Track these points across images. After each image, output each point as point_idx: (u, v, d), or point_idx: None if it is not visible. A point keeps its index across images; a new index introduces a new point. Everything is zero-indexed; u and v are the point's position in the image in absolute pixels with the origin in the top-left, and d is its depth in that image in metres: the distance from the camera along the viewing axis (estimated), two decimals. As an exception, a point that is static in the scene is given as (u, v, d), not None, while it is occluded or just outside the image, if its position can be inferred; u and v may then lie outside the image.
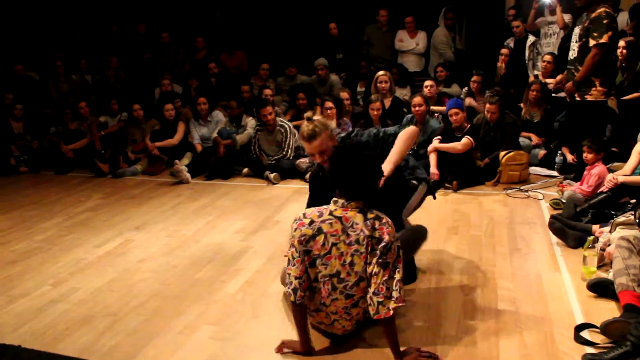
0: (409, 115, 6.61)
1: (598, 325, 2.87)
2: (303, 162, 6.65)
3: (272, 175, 6.56)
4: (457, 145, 5.93)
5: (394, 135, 3.30)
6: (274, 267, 4.02)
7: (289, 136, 6.81)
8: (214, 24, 9.80)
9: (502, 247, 4.22)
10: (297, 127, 7.15)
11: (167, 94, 8.08)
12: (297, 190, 6.19)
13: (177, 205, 5.79)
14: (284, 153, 6.80)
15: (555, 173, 6.17)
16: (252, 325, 3.20)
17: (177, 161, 6.88)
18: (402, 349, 2.73)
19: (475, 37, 8.48)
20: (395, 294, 2.62)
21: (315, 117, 3.37)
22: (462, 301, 3.37)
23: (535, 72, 7.50)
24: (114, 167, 7.33)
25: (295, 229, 2.72)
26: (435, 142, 6.05)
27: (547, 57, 7.10)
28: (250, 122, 7.27)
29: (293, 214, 5.20)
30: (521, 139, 6.44)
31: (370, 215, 2.68)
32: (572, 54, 5.35)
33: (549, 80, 6.93)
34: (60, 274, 4.12)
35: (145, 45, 9.34)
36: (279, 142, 6.85)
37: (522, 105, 6.86)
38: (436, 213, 5.09)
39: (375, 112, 6.53)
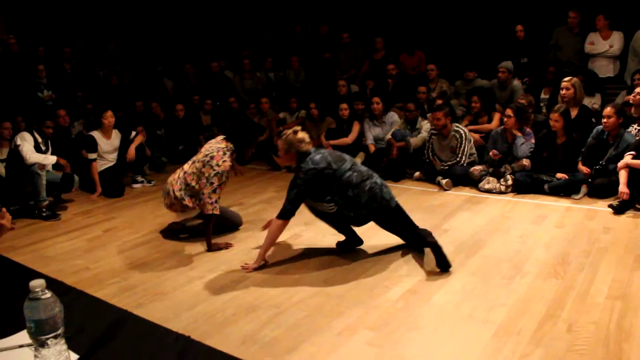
0: (599, 127, 6.04)
1: None
2: (477, 169, 6.40)
3: (444, 181, 6.40)
4: (654, 163, 5.31)
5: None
6: (439, 276, 3.89)
7: (464, 142, 6.58)
8: (395, 23, 9.80)
9: None
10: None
11: (346, 95, 8.23)
12: (469, 199, 5.96)
13: (346, 204, 5.83)
14: (458, 159, 6.59)
15: None
16: (411, 336, 3.09)
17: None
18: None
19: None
20: None
21: (300, 133, 4.11)
22: (650, 342, 2.97)
23: None
24: (289, 163, 7.64)
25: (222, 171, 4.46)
26: (627, 158, 5.47)
27: None
28: (426, 126, 7.14)
29: (463, 223, 5.09)
30: None
31: None
32: None
33: None
34: (232, 260, 4.38)
35: (326, 45, 9.61)
36: (453, 147, 6.65)
37: None
38: (624, 238, 4.59)
39: (553, 123, 6.07)
